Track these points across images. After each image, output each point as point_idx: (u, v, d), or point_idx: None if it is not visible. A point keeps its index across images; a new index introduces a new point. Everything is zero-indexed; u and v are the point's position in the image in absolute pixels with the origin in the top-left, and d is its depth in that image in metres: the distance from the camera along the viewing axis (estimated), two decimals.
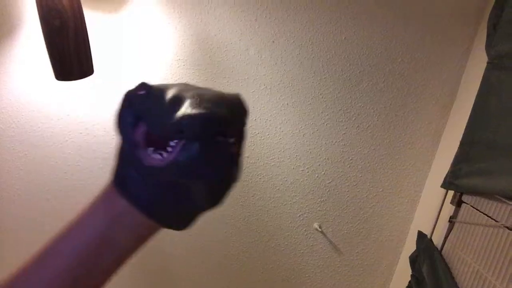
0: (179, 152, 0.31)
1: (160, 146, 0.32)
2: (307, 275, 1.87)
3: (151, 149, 0.33)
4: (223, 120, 0.32)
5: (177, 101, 0.32)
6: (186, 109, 0.31)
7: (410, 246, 1.70)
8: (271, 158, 1.70)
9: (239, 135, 0.37)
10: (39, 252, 0.37)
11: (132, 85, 0.35)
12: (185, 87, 0.35)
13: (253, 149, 1.67)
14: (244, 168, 1.69)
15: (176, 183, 0.34)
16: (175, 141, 0.31)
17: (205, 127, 0.31)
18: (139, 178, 0.34)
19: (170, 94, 0.33)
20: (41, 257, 0.36)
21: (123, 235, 0.37)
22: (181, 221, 0.38)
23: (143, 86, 0.35)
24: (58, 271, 0.36)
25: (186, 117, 0.30)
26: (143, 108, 0.34)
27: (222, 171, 0.33)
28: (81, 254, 0.36)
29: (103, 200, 0.37)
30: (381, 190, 1.73)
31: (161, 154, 0.32)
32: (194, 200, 0.36)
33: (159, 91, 0.34)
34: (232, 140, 0.34)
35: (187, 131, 0.30)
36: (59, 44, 1.16)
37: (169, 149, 0.31)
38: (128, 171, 0.35)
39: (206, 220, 1.72)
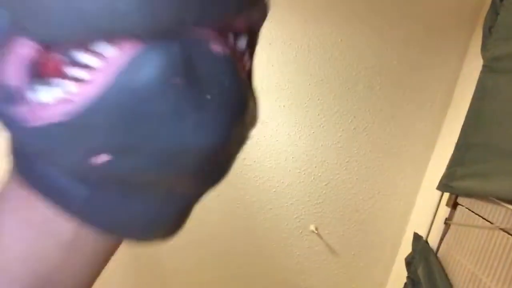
0: (120, 71, 0.14)
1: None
2: (303, 277, 1.87)
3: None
4: None
5: None
6: None
7: (406, 248, 1.71)
8: (267, 160, 1.70)
9: (253, 37, 0.19)
10: None
11: None
12: None
13: (249, 151, 1.67)
14: (239, 171, 1.69)
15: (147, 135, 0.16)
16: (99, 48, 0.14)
17: None
18: (71, 183, 0.18)
19: None
20: None
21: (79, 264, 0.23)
22: (159, 225, 0.21)
23: None
24: None
25: None
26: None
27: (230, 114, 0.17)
28: None
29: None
30: (377, 192, 1.73)
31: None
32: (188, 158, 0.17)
33: None
34: (243, 43, 0.18)
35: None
36: None
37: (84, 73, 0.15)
38: (47, 174, 0.18)
39: (202, 222, 1.71)
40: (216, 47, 0.16)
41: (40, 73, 0.15)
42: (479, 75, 1.30)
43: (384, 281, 1.87)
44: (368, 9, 1.53)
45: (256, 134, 1.65)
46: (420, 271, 1.44)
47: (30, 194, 0.19)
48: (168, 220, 0.22)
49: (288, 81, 1.60)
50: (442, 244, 1.43)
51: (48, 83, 0.15)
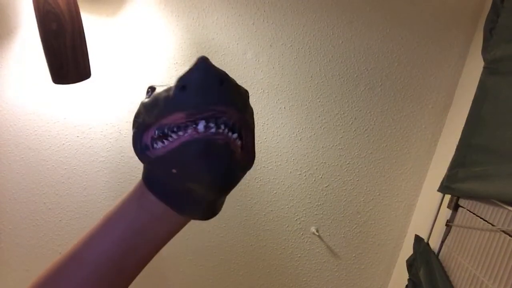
0: (181, 140, 0.33)
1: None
2: (304, 279, 1.87)
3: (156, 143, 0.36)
4: (221, 72, 0.33)
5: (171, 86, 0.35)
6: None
7: (407, 250, 1.70)
8: (268, 162, 1.70)
9: (245, 128, 0.38)
10: (81, 242, 0.39)
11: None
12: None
13: None
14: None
15: (185, 176, 0.36)
16: (179, 133, 0.33)
17: (206, 72, 0.32)
18: (162, 175, 0.37)
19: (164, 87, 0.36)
20: (83, 246, 0.39)
21: (155, 225, 0.41)
22: (203, 211, 0.40)
23: (149, 88, 0.39)
24: (99, 260, 0.39)
25: (186, 71, 0.32)
26: (151, 104, 0.36)
27: (221, 170, 0.34)
28: (120, 244, 0.39)
29: (136, 194, 0.41)
30: (378, 194, 1.73)
31: (163, 142, 0.34)
32: (204, 190, 0.37)
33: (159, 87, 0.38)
34: (235, 135, 0.35)
35: (189, 78, 0.32)
36: (56, 48, 1.15)
37: (171, 138, 0.34)
38: (152, 170, 0.39)
39: (202, 223, 1.71)
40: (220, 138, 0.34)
41: (155, 139, 0.36)
42: (480, 77, 1.30)
43: (385, 283, 1.87)
44: (369, 11, 1.53)
45: (257, 136, 1.65)
46: (421, 273, 1.44)
47: (144, 189, 0.40)
48: (210, 208, 0.41)
49: (289, 82, 1.61)
50: (443, 246, 1.43)
51: (157, 143, 0.35)
